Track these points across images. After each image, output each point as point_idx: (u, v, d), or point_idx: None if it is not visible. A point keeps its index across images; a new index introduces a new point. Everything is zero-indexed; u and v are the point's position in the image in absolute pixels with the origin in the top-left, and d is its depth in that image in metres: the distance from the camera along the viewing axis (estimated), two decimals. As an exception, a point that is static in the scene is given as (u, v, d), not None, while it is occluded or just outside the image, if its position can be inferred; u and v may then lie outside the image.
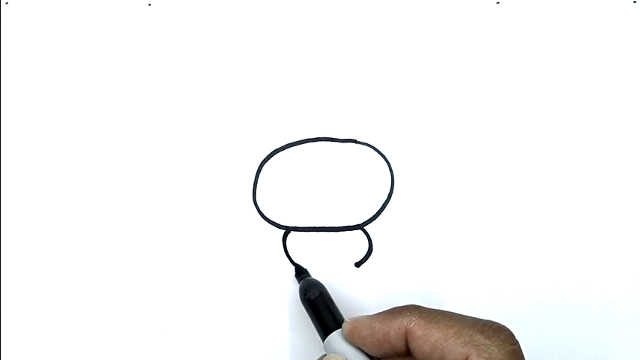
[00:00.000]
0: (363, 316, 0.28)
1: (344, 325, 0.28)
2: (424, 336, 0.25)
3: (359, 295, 0.35)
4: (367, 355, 0.28)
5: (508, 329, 0.25)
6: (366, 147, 0.37)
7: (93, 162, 0.37)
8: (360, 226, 0.36)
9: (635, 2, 0.40)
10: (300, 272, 0.35)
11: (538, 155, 0.37)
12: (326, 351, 0.29)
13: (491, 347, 0.23)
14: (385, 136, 0.37)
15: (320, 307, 0.31)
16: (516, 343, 0.24)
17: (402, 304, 0.27)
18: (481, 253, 0.36)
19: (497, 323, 0.25)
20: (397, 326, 0.25)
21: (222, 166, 0.37)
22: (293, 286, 0.35)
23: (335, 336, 0.29)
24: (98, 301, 0.35)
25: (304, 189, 0.37)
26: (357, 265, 0.36)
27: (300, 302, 0.32)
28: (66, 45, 0.40)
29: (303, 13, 0.40)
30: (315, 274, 0.35)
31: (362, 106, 0.38)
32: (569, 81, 0.38)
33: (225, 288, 0.35)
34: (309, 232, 0.36)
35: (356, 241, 0.36)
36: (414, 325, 0.25)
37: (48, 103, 0.39)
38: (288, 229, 0.36)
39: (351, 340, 0.28)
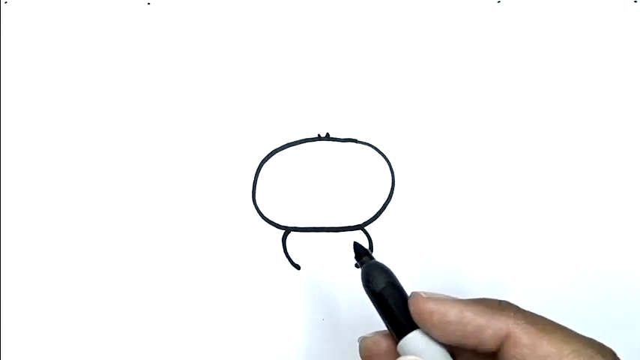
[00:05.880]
0: (445, 297, 0.24)
1: (419, 304, 0.24)
2: (532, 345, 0.22)
3: (359, 295, 0.35)
4: (448, 353, 0.24)
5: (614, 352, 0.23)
6: (366, 147, 0.37)
7: (92, 161, 0.37)
8: (361, 227, 0.36)
9: (635, 2, 0.40)
10: (361, 255, 0.28)
11: (539, 155, 0.37)
12: (400, 353, 0.25)
13: None
14: (385, 136, 0.37)
15: (392, 302, 0.25)
16: None
17: (495, 298, 0.24)
18: (481, 254, 0.36)
19: (606, 346, 0.22)
20: (498, 325, 0.22)
21: (221, 165, 0.37)
22: (293, 286, 0.35)
23: (415, 337, 0.24)
24: (98, 301, 0.35)
25: (304, 189, 0.37)
26: (357, 265, 0.36)
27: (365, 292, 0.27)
28: (66, 44, 0.39)
29: (303, 13, 0.40)
30: (315, 274, 0.35)
31: (362, 106, 0.38)
32: (569, 81, 0.38)
33: (224, 288, 0.35)
34: (309, 232, 0.36)
35: (356, 242, 0.36)
36: (519, 330, 0.22)
37: (48, 103, 0.38)
38: (288, 229, 0.36)
39: (426, 322, 0.24)
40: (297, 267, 0.36)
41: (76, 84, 0.39)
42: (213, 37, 0.39)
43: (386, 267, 0.26)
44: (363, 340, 0.26)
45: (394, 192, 0.37)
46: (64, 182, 0.37)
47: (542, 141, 0.37)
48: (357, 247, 0.28)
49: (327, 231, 0.36)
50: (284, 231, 0.36)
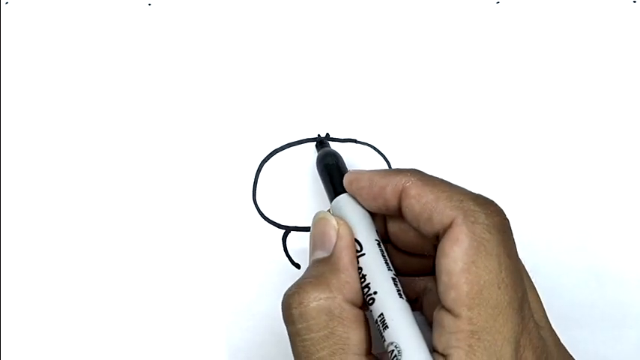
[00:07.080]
0: (365, 170, 0.28)
1: (346, 175, 0.29)
2: (417, 195, 0.25)
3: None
4: (370, 219, 0.28)
5: (499, 206, 0.24)
6: (366, 147, 0.37)
7: (92, 162, 0.37)
8: (360, 226, 0.36)
9: (635, 2, 0.40)
10: (322, 143, 0.36)
11: (539, 156, 0.37)
12: (331, 211, 0.29)
13: (479, 214, 0.23)
14: (385, 136, 0.37)
15: (333, 174, 0.31)
16: (506, 218, 0.24)
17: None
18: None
19: (490, 199, 0.25)
20: (395, 182, 0.26)
21: (222, 165, 0.37)
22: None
23: (342, 198, 0.29)
24: (97, 301, 0.35)
25: (304, 189, 0.37)
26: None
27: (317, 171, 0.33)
28: (66, 45, 0.40)
29: (303, 13, 0.40)
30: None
31: (362, 106, 0.38)
32: (569, 81, 0.38)
33: (224, 288, 0.35)
34: (309, 232, 0.36)
35: (356, 241, 0.36)
36: (410, 184, 0.25)
37: (48, 103, 0.39)
38: (288, 229, 0.36)
39: (349, 189, 0.28)
40: (298, 266, 0.36)
41: (76, 85, 0.39)
42: (214, 37, 0.39)
43: (338, 153, 0.33)
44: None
45: (394, 192, 0.37)
46: (64, 183, 0.37)
47: (542, 142, 0.37)
48: (318, 142, 0.36)
49: (327, 231, 0.36)
50: (284, 231, 0.36)
